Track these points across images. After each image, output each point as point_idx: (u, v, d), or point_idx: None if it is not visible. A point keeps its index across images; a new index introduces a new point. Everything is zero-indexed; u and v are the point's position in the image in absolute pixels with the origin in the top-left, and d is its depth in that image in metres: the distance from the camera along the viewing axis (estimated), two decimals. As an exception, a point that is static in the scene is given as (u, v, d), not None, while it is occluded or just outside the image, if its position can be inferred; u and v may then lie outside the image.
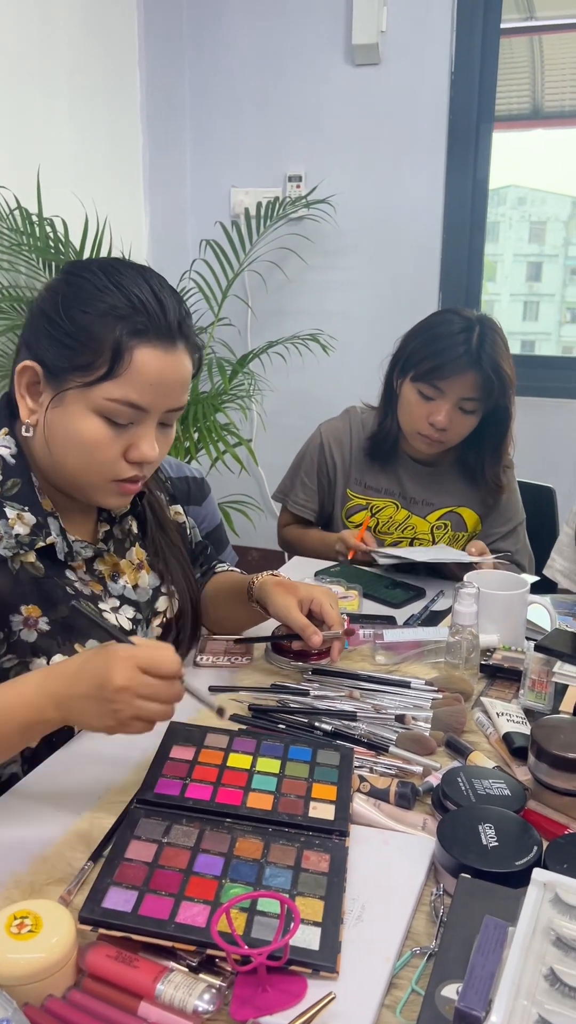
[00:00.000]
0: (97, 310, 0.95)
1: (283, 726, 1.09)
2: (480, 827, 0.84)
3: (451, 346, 1.63)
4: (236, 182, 3.38)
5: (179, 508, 1.33)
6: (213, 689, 1.20)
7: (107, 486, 1.02)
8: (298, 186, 3.27)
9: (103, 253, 2.63)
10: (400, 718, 1.10)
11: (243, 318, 3.41)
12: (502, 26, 3.06)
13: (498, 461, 1.77)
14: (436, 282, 3.24)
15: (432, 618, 1.47)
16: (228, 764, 0.96)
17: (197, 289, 3.08)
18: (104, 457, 0.99)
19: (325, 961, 0.71)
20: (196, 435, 2.87)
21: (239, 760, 0.97)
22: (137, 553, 1.18)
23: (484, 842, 0.82)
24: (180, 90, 3.34)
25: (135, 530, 1.19)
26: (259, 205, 3.08)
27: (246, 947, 0.69)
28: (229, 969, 0.71)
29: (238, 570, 1.42)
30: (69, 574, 1.07)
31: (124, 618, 1.12)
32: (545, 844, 0.83)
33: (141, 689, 0.85)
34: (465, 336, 1.63)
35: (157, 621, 1.18)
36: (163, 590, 1.20)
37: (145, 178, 3.16)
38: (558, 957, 0.65)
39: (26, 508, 1.01)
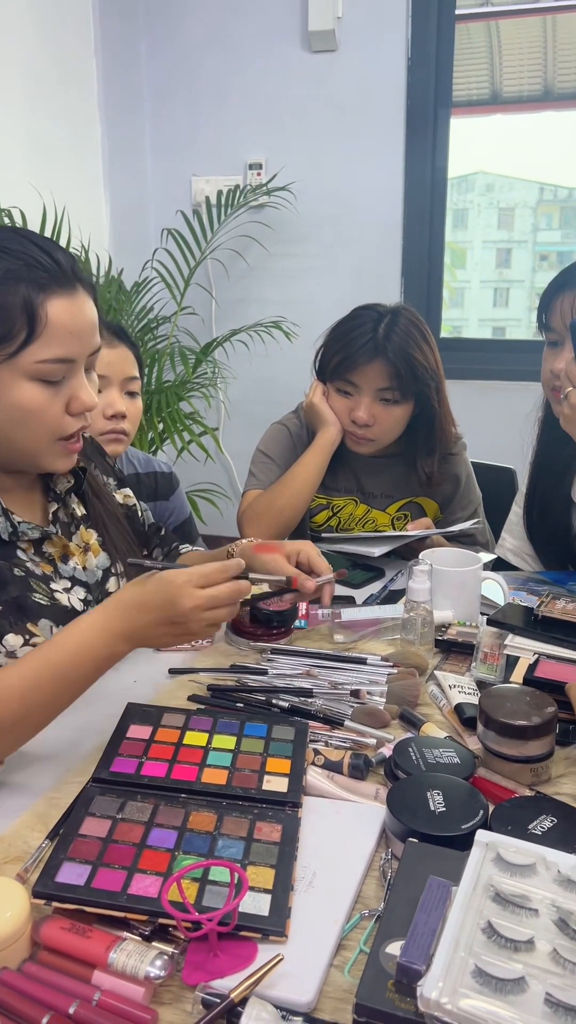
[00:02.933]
0: None
1: (241, 705, 1.10)
2: (428, 794, 0.86)
3: (357, 338, 1.64)
4: (196, 171, 3.37)
5: (128, 491, 1.34)
6: (173, 671, 1.21)
7: (53, 448, 1.03)
8: (258, 174, 3.27)
9: (62, 243, 2.62)
10: (355, 693, 1.12)
11: (206, 306, 3.41)
12: (457, 12, 3.08)
13: (430, 454, 1.74)
14: (398, 268, 3.26)
15: (390, 597, 1.49)
16: (184, 742, 0.97)
17: (159, 278, 3.08)
18: (49, 418, 1.00)
19: (274, 926, 0.73)
20: (161, 425, 2.87)
21: (195, 738, 0.98)
22: (83, 535, 1.19)
23: (432, 808, 0.84)
24: (137, 79, 3.32)
25: (80, 512, 1.20)
26: (220, 193, 3.08)
27: (196, 914, 0.71)
28: (181, 937, 0.73)
29: (202, 549, 1.43)
30: (20, 554, 1.08)
31: (76, 599, 1.13)
32: (491, 808, 0.85)
33: (205, 604, 0.95)
34: (372, 327, 1.64)
35: (110, 602, 1.19)
36: (113, 571, 1.21)
37: (104, 168, 3.15)
38: (496, 911, 0.67)
39: None
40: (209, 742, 0.97)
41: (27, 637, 1.03)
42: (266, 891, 0.76)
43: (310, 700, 1.11)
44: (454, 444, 1.79)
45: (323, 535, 1.82)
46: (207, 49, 3.26)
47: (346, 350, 1.65)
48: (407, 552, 1.71)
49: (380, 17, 3.04)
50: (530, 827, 0.82)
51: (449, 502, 1.82)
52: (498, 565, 1.66)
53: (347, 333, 1.67)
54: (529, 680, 1.08)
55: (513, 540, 1.63)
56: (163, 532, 1.41)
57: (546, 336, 1.43)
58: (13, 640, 1.02)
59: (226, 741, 0.98)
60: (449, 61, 3.11)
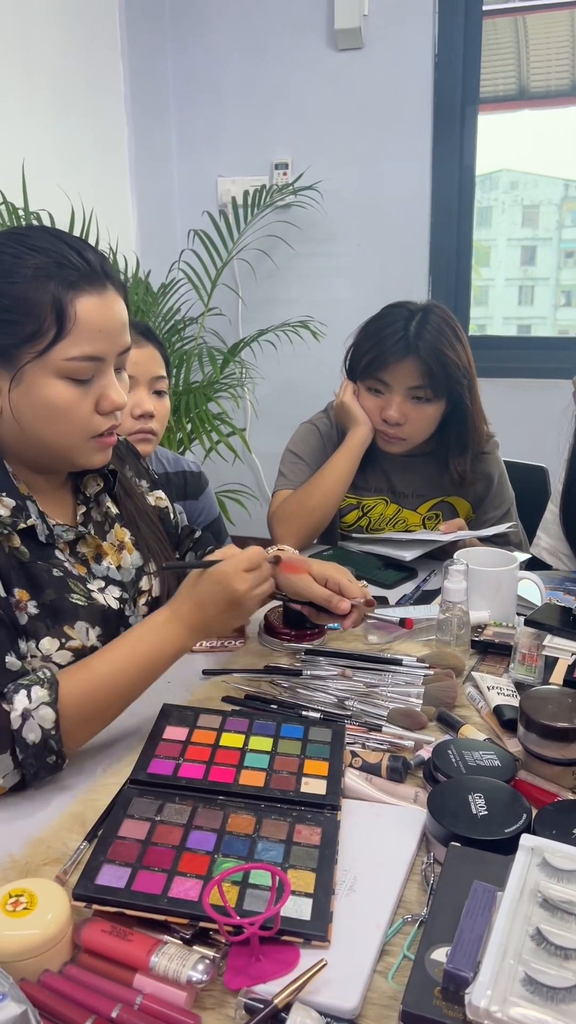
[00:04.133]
0: (24, 276, 0.95)
1: (276, 707, 1.10)
2: (470, 797, 0.85)
3: (388, 336, 1.62)
4: (222, 171, 3.37)
5: (161, 493, 1.34)
6: (207, 672, 1.21)
7: (87, 445, 1.03)
8: (284, 173, 3.27)
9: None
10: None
11: (233, 307, 3.41)
12: (484, 7, 3.05)
13: (462, 453, 1.72)
14: (425, 267, 3.24)
15: (424, 597, 1.48)
16: (221, 743, 0.97)
17: (186, 279, 3.08)
18: (79, 416, 1.00)
19: (316, 930, 0.72)
20: (189, 425, 2.88)
21: (232, 739, 0.98)
22: (118, 534, 1.19)
23: (474, 811, 0.83)
24: (163, 81, 3.33)
25: (114, 511, 1.20)
26: (246, 194, 3.07)
27: (238, 918, 0.70)
28: (223, 941, 0.72)
29: None
30: (58, 554, 1.08)
31: (111, 597, 1.12)
32: (534, 812, 0.84)
33: (255, 582, 1.05)
34: (403, 324, 1.62)
35: (143, 600, 1.19)
36: (146, 570, 1.21)
37: (131, 170, 3.16)
38: (544, 917, 0.66)
39: (3, 493, 1.02)
40: (246, 744, 0.97)
41: (63, 641, 1.03)
42: (307, 895, 0.75)
43: (345, 708, 1.09)
44: (486, 443, 1.77)
45: (353, 535, 1.81)
46: (232, 49, 3.26)
47: (377, 348, 1.64)
48: (440, 553, 1.70)
49: (406, 14, 3.02)
50: (575, 831, 0.80)
51: (482, 501, 1.80)
52: (533, 564, 1.63)
53: (379, 331, 1.65)
54: (569, 681, 1.07)
55: (549, 539, 1.61)
56: (197, 535, 1.41)
57: None
58: (49, 644, 1.02)
59: (263, 743, 0.97)
60: (476, 57, 3.09)
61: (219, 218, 3.08)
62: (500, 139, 3.51)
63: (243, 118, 3.30)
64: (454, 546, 1.61)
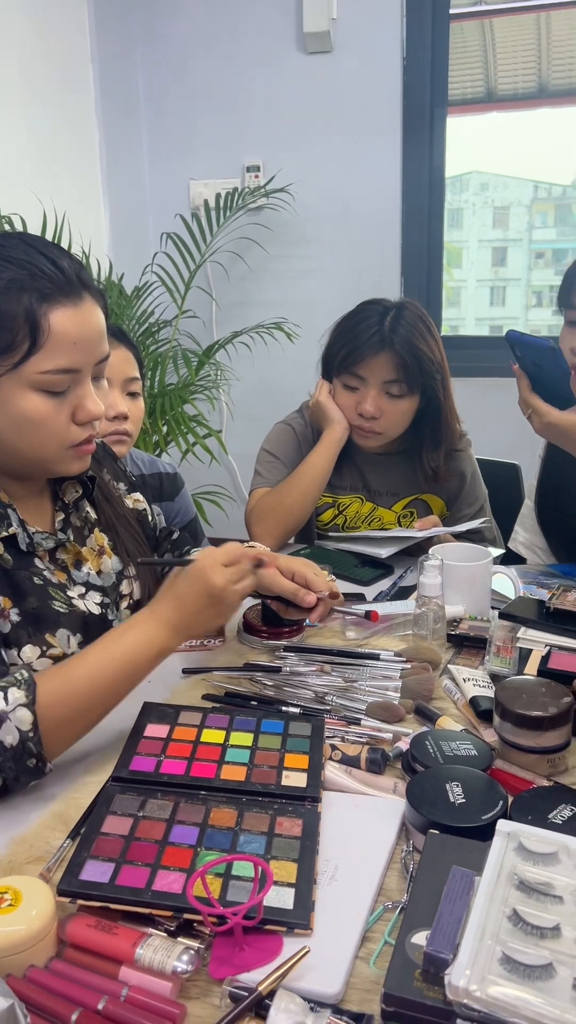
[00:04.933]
0: None
1: (256, 703, 1.11)
2: (448, 786, 0.86)
3: (363, 331, 1.65)
4: (194, 174, 3.38)
5: (139, 496, 1.34)
6: (187, 671, 1.22)
7: (64, 454, 1.03)
8: (256, 176, 3.28)
9: (63, 249, 2.63)
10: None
11: (207, 309, 3.42)
12: (451, 11, 3.08)
13: (436, 448, 1.75)
14: (397, 268, 3.27)
15: (401, 593, 1.49)
16: (202, 739, 0.98)
17: (160, 282, 3.09)
18: (55, 428, 1.00)
19: (298, 919, 0.73)
20: (165, 428, 2.88)
21: (213, 735, 0.99)
22: (97, 539, 1.19)
23: (452, 799, 0.84)
24: (134, 84, 3.33)
25: (93, 516, 1.21)
26: (218, 196, 3.08)
27: (221, 908, 0.71)
28: (207, 931, 0.73)
29: None
30: (37, 563, 1.08)
31: (92, 603, 1.13)
32: (510, 799, 0.86)
33: (234, 577, 1.05)
34: (378, 320, 1.65)
35: (124, 604, 1.19)
36: (126, 574, 1.21)
37: (103, 173, 3.16)
38: (521, 899, 0.67)
39: None
40: (227, 739, 0.98)
41: (44, 648, 1.03)
42: (289, 885, 0.76)
43: (324, 703, 1.11)
44: (459, 440, 1.80)
45: (330, 534, 1.83)
46: (202, 53, 3.27)
47: (353, 343, 1.66)
48: (415, 550, 1.72)
49: (374, 18, 3.05)
50: (550, 816, 0.82)
51: (455, 499, 1.82)
52: (509, 559, 1.66)
53: (354, 327, 1.67)
54: (542, 672, 1.09)
55: (525, 533, 1.64)
56: (175, 536, 1.41)
57: (566, 315, 1.42)
58: (30, 652, 1.02)
59: (243, 738, 0.98)
60: (444, 60, 3.12)
61: (192, 221, 3.09)
62: (469, 141, 3.55)
63: (214, 121, 3.32)
64: (429, 542, 1.63)
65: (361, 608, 1.28)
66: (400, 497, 1.82)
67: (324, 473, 1.75)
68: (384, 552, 1.61)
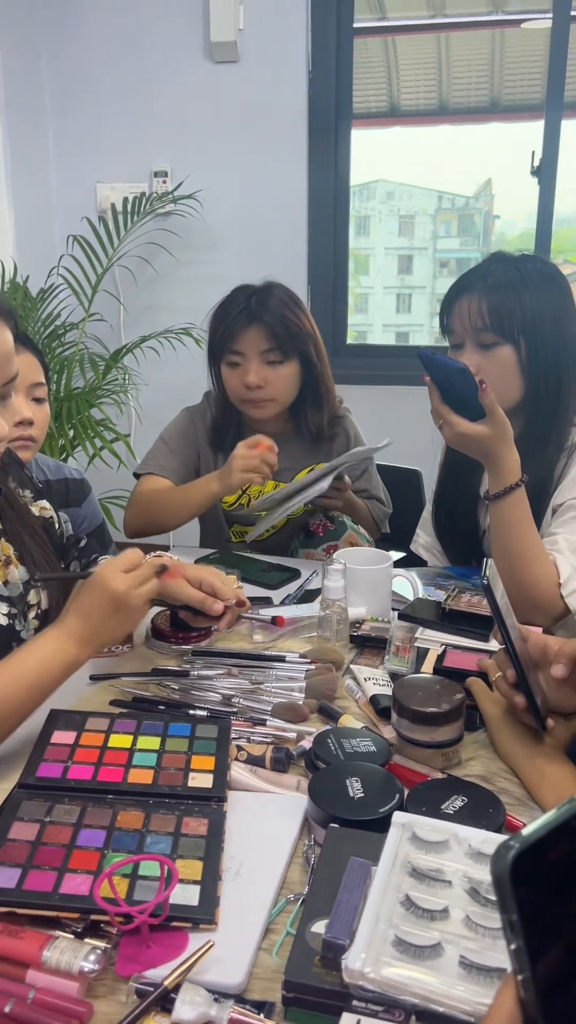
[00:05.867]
0: None
1: (163, 708, 1.12)
2: (348, 781, 0.90)
3: (232, 310, 1.78)
4: (101, 177, 3.36)
5: (45, 503, 1.34)
6: (94, 678, 1.22)
7: None
8: (164, 181, 3.29)
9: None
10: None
11: (115, 313, 3.40)
12: (355, 25, 3.16)
13: (318, 408, 1.86)
14: (304, 275, 3.32)
15: (306, 596, 1.53)
16: (109, 745, 0.99)
17: (66, 285, 3.05)
18: None
19: (203, 915, 0.75)
20: (71, 432, 2.85)
21: (120, 740, 1.00)
22: (3, 549, 1.19)
23: (351, 794, 0.88)
24: (38, 84, 3.29)
25: None
26: (125, 201, 3.08)
27: (127, 907, 0.73)
28: (114, 931, 0.75)
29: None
30: None
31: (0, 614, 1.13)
32: (406, 792, 0.90)
33: (135, 582, 1.05)
34: (245, 299, 1.78)
35: (32, 614, 1.19)
36: (33, 583, 1.21)
37: (6, 173, 3.10)
38: (413, 885, 0.72)
39: None
40: (134, 744, 0.99)
41: None
42: (195, 882, 0.79)
43: (231, 705, 1.13)
44: (339, 407, 1.93)
45: (247, 539, 1.85)
46: (108, 57, 3.26)
47: (225, 322, 1.78)
48: (321, 554, 1.76)
49: (280, 30, 3.10)
50: (443, 807, 0.87)
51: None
52: (409, 561, 1.72)
53: (224, 309, 1.81)
54: (438, 670, 1.14)
55: (426, 536, 1.70)
56: (82, 543, 1.41)
57: (449, 339, 1.50)
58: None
59: (151, 742, 1.00)
60: (348, 74, 3.20)
61: (99, 224, 3.07)
62: (375, 152, 3.64)
63: (122, 125, 3.30)
64: (334, 547, 1.68)
65: (268, 613, 1.31)
66: (298, 470, 1.90)
67: (206, 503, 1.78)
68: (292, 504, 1.68)
